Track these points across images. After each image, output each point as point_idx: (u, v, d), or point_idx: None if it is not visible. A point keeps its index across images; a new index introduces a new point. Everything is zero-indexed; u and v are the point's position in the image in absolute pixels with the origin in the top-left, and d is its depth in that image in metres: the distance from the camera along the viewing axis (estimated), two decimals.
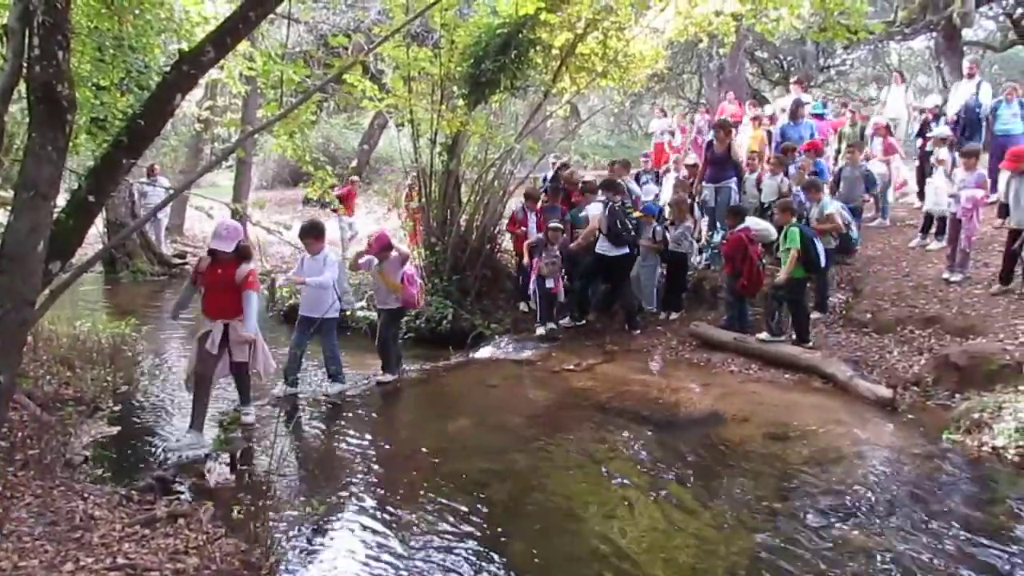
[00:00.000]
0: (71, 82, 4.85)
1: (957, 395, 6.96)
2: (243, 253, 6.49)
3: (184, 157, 18.41)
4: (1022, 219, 8.03)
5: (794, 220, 8.46)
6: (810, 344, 8.40)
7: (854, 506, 5.18)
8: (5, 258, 4.70)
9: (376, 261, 8.03)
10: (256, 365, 6.68)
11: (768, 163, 10.71)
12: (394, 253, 7.99)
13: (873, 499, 5.29)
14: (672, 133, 15.07)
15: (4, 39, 4.93)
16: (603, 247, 9.40)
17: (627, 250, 9.40)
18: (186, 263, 15.19)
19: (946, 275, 8.87)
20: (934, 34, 18.38)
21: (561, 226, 9.80)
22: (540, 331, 9.62)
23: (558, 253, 9.63)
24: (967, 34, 19.97)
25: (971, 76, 11.84)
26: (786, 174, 10.18)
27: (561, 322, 9.86)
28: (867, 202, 10.18)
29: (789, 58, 24.83)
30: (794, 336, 8.51)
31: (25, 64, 4.80)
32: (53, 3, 4.57)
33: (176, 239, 16.49)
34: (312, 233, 7.69)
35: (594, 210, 9.58)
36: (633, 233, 9.35)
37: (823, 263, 8.41)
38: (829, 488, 5.45)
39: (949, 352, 7.39)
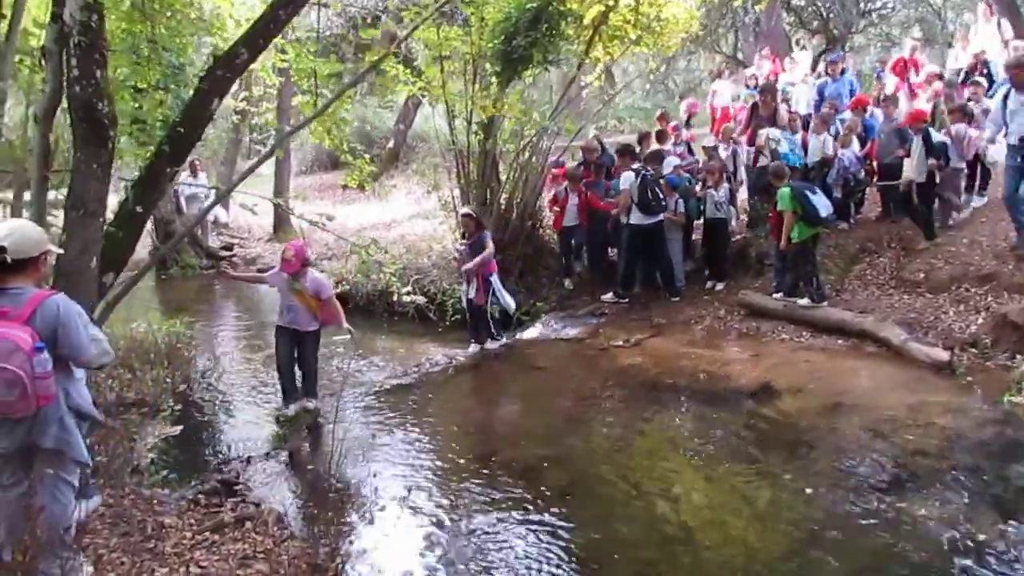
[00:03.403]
0: (111, 99, 4.93)
1: (1017, 355, 6.75)
2: None
3: (224, 151, 18.59)
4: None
5: (785, 182, 8.42)
6: (824, 304, 8.36)
7: (914, 477, 5.10)
8: (60, 277, 4.82)
9: (285, 276, 6.95)
10: None
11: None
12: (314, 271, 7.12)
13: (933, 469, 5.20)
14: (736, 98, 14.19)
15: (43, 60, 5.02)
16: (636, 217, 9.40)
17: (660, 217, 9.43)
18: (233, 255, 15.45)
19: None
20: None
21: (471, 212, 9.01)
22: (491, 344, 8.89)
23: (466, 248, 8.76)
24: None
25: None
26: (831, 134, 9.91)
27: (605, 297, 9.82)
28: (902, 158, 9.71)
29: (828, 4, 24.02)
30: (807, 300, 8.42)
31: (65, 84, 4.89)
32: (88, 24, 4.63)
33: (222, 232, 16.73)
34: None
35: (625, 180, 9.47)
36: (664, 202, 9.37)
37: (823, 214, 8.20)
38: (887, 459, 5.35)
39: (1008, 310, 7.16)
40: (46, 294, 3.54)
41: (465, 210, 9.17)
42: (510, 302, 8.97)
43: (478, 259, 8.55)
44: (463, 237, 9.07)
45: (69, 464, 3.63)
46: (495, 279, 8.82)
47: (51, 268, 4.70)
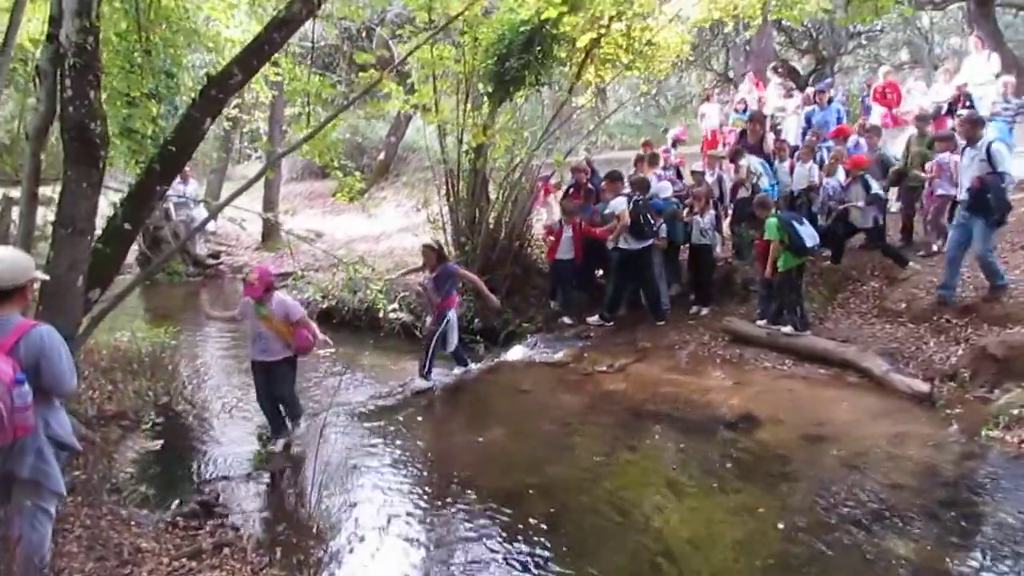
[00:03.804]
0: (104, 119, 4.94)
1: (996, 389, 6.81)
2: None
3: (216, 159, 18.58)
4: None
5: (772, 212, 8.55)
6: (808, 332, 8.44)
7: (892, 511, 5.13)
8: (46, 295, 4.82)
9: (251, 301, 6.51)
10: None
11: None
12: (281, 293, 6.79)
13: (911, 504, 5.23)
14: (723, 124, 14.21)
15: (37, 79, 5.02)
16: (625, 242, 9.43)
17: (649, 242, 9.47)
18: (220, 263, 15.40)
19: None
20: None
21: (432, 244, 8.66)
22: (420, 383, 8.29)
23: (430, 282, 8.41)
24: None
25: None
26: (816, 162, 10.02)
27: (591, 320, 9.85)
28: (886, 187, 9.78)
29: (818, 25, 24.24)
30: (790, 328, 8.49)
31: (58, 104, 4.90)
32: (83, 46, 4.64)
33: (209, 239, 16.67)
34: None
35: (619, 205, 9.50)
36: (655, 227, 9.43)
37: (809, 244, 8.27)
38: (866, 492, 5.40)
39: (987, 343, 7.23)
40: (31, 324, 3.53)
41: (426, 241, 8.84)
42: (452, 341, 8.56)
43: (485, 292, 8.60)
44: (423, 268, 8.69)
45: (46, 494, 3.62)
46: (452, 314, 8.47)
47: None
